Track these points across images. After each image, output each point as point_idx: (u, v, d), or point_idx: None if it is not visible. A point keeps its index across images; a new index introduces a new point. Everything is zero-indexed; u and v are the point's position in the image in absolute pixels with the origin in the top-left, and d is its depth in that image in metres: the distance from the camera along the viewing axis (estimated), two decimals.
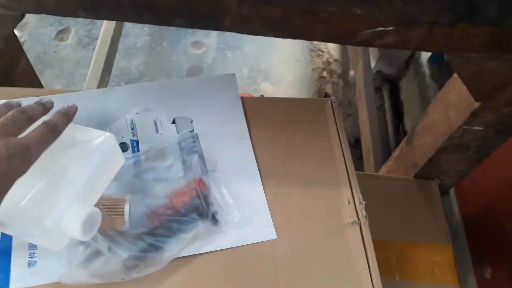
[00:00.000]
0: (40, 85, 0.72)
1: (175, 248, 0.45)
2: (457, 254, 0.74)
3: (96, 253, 0.43)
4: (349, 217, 0.54)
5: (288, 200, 0.55)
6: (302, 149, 0.59)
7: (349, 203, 0.55)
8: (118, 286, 0.44)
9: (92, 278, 0.42)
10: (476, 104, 0.59)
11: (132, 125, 0.57)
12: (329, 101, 0.63)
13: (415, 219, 0.73)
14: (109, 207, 0.43)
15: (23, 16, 0.48)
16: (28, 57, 0.66)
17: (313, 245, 0.52)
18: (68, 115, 0.41)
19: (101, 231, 0.42)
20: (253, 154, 0.58)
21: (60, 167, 0.39)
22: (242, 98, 0.63)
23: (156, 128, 0.58)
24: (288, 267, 0.50)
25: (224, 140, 0.59)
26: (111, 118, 0.57)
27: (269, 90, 1.44)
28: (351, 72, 1.44)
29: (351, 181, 0.56)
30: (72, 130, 0.41)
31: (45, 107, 0.41)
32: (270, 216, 0.53)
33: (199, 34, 1.53)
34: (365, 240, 0.52)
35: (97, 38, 1.44)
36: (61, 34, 1.49)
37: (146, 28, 1.51)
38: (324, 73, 1.50)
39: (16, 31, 0.59)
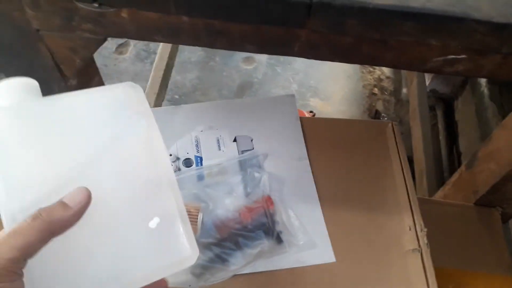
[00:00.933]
0: None
1: (239, 262, 0.46)
2: None
3: None
4: (410, 244, 0.53)
5: (347, 224, 0.55)
6: (361, 172, 0.59)
7: (410, 229, 0.54)
8: None
9: None
10: None
11: (197, 142, 0.60)
12: (391, 124, 0.62)
13: (475, 248, 0.70)
14: None
15: (105, 40, 0.52)
16: None
17: (372, 271, 0.52)
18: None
19: None
20: (311, 175, 0.59)
21: None
22: (301, 119, 0.64)
23: (219, 146, 0.60)
24: None
25: (283, 160, 0.60)
26: (177, 135, 0.60)
27: (318, 106, 1.44)
28: (404, 90, 1.41)
29: (413, 207, 0.55)
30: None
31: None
32: (329, 239, 0.53)
33: None
34: (427, 268, 0.51)
35: (154, 52, 1.52)
36: (121, 48, 1.57)
37: None
38: (375, 90, 1.48)
39: None
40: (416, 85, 1.21)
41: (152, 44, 1.55)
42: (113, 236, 0.29)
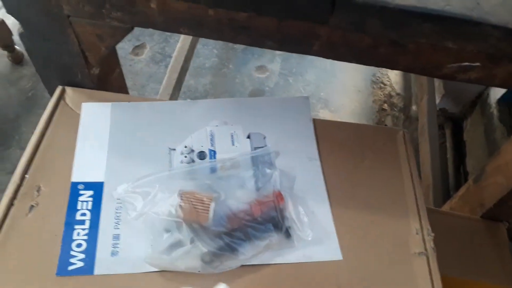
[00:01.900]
0: (127, 92, 0.78)
1: (248, 252, 0.47)
2: None
3: (179, 243, 0.47)
4: (417, 248, 0.54)
5: (354, 223, 0.56)
6: (370, 175, 0.60)
7: (417, 233, 0.55)
8: (192, 278, 0.47)
9: (172, 265, 0.45)
10: None
11: (211, 136, 0.61)
12: (402, 131, 0.64)
13: (479, 258, 0.70)
14: (196, 201, 0.47)
15: (132, 29, 0.54)
16: None
17: (378, 270, 0.52)
18: None
19: (187, 222, 0.46)
20: (322, 175, 0.60)
21: None
22: (314, 120, 0.65)
23: (232, 141, 0.62)
24: None
25: (294, 159, 0.61)
26: (192, 128, 0.62)
27: (328, 117, 1.46)
28: (413, 107, 1.42)
29: (420, 212, 0.56)
30: None
31: None
32: (337, 237, 0.54)
33: (264, 59, 1.59)
34: (432, 272, 0.52)
35: (169, 56, 1.55)
36: (137, 49, 1.60)
37: (215, 50, 1.59)
38: (385, 106, 1.49)
39: None
40: (426, 103, 1.22)
41: (167, 48, 1.59)
42: None
